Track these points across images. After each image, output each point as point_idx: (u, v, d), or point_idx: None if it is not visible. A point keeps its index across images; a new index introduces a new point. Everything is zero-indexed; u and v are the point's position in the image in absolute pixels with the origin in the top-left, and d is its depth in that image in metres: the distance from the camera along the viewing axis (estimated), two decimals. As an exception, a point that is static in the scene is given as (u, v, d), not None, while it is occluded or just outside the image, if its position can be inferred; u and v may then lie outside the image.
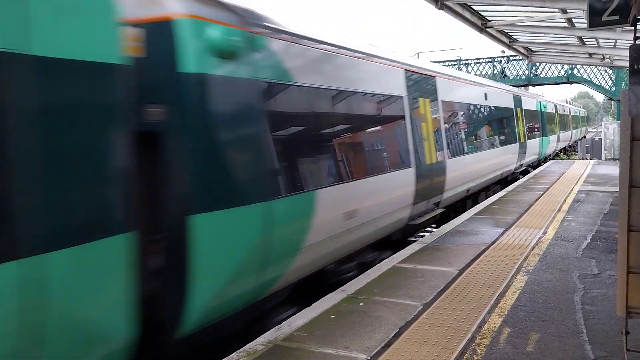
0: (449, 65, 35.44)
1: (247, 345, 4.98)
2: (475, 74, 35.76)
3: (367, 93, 8.14)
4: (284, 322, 5.51)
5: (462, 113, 13.30)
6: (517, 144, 18.99)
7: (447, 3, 10.95)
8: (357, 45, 8.35)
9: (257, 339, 5.13)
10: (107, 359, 4.00)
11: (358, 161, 7.76)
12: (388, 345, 4.92)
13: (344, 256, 7.59)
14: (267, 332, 5.27)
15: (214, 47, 4.95)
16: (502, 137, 17.09)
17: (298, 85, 6.36)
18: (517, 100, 20.22)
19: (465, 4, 11.88)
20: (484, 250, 8.27)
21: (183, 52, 4.74)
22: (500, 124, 17.22)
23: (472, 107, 14.21)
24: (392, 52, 10.05)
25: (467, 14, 12.33)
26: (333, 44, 7.43)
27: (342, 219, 6.97)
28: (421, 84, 10.49)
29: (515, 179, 19.34)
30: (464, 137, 13.10)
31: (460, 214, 11.77)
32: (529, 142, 21.16)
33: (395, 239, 9.35)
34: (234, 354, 4.80)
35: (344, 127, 7.65)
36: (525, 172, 21.61)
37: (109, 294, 3.94)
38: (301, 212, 6.21)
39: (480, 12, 12.89)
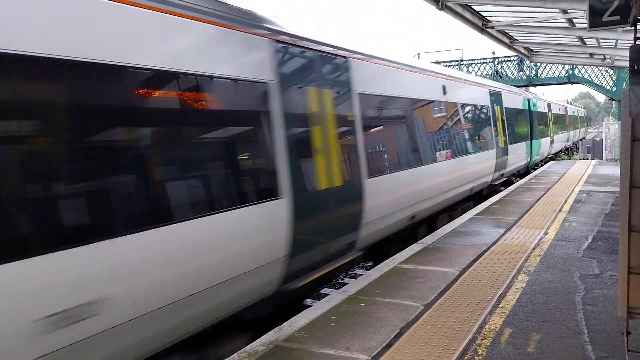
0: (449, 66, 35.44)
1: (248, 346, 4.98)
2: (477, 74, 35.73)
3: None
4: (284, 323, 5.51)
5: (397, 112, 9.62)
6: (495, 149, 15.34)
7: (448, 3, 10.96)
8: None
9: (258, 339, 5.13)
10: None
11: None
12: (389, 345, 4.92)
13: None
14: (268, 333, 5.27)
15: None
16: (470, 143, 13.30)
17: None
18: (496, 96, 16.47)
19: (466, 5, 11.89)
20: (485, 251, 8.27)
21: None
22: (468, 126, 13.40)
23: (417, 104, 10.27)
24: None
25: (468, 15, 12.34)
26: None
27: None
28: (312, 65, 6.84)
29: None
30: (401, 145, 9.52)
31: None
32: (511, 147, 17.46)
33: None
34: (234, 354, 4.81)
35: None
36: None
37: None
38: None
39: (480, 13, 12.90)
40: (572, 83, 35.40)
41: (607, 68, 29.43)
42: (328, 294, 7.34)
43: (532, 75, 36.03)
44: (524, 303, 5.95)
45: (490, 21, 13.57)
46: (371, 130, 8.39)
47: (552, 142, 28.80)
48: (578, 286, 6.50)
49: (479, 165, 13.73)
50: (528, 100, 22.35)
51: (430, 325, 5.35)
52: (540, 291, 6.35)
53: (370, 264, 9.79)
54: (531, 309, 5.76)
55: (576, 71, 34.00)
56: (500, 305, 5.89)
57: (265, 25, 6.04)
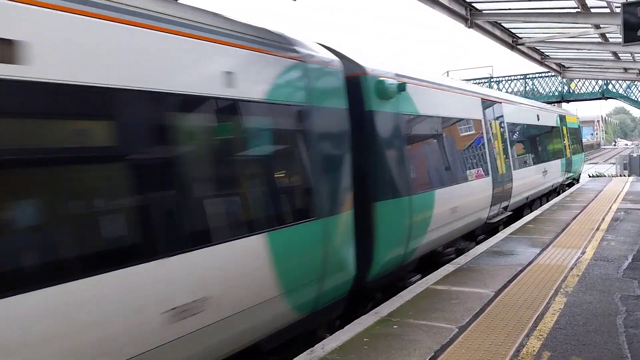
0: (479, 83, 35.17)
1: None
2: (507, 92, 35.36)
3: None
4: (316, 345, 5.46)
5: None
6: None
7: (477, 21, 10.93)
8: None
9: (290, 362, 5.08)
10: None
11: None
12: (423, 369, 4.82)
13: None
14: (300, 355, 5.23)
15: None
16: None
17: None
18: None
19: (496, 22, 11.84)
20: (521, 271, 8.08)
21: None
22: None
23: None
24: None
25: (498, 32, 12.29)
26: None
27: None
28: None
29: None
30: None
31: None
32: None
33: None
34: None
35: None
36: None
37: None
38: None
39: (510, 30, 12.82)
40: (607, 98, 34.77)
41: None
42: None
43: (565, 91, 35.51)
44: (562, 325, 5.78)
45: (521, 38, 13.46)
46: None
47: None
48: (619, 308, 6.29)
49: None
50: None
51: (465, 349, 5.23)
52: (579, 313, 6.16)
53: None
54: (570, 332, 5.59)
55: (610, 86, 33.40)
56: (537, 328, 5.72)
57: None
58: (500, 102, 13.31)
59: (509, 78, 38.47)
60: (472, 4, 10.54)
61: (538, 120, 17.02)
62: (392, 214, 7.34)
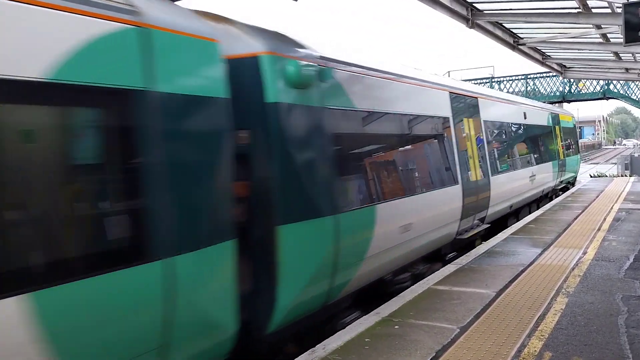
0: (480, 83, 35.17)
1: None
2: (508, 92, 35.34)
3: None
4: (317, 345, 5.46)
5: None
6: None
7: (478, 22, 10.91)
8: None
9: (291, 362, 5.02)
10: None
11: None
12: (425, 369, 4.82)
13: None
14: (302, 355, 5.23)
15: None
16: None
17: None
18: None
19: (497, 22, 11.83)
20: (522, 272, 8.08)
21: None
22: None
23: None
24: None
25: (499, 32, 12.27)
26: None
27: None
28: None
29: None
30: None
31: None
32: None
33: None
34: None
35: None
36: None
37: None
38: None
39: (511, 30, 12.80)
40: (608, 98, 34.73)
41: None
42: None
43: (566, 91, 35.47)
44: (564, 326, 5.78)
45: (522, 38, 13.45)
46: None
47: None
48: (620, 308, 6.29)
49: None
50: None
51: (466, 349, 5.23)
52: (580, 313, 6.16)
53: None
54: (572, 332, 5.59)
55: (611, 86, 33.36)
56: (539, 328, 5.72)
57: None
58: (476, 98, 11.52)
59: (510, 78, 38.44)
60: (474, 4, 10.53)
61: (525, 118, 15.43)
62: (306, 240, 5.62)
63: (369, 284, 7.13)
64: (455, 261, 8.98)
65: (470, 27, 10.80)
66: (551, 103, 28.89)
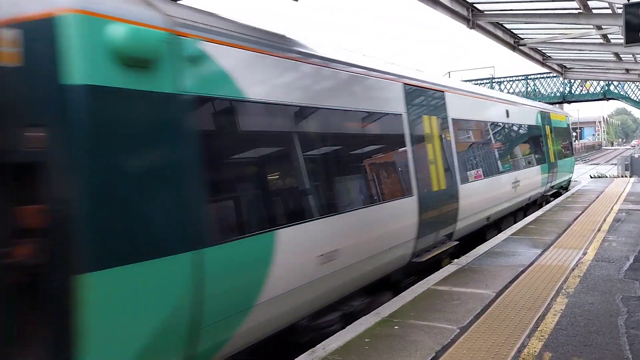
0: (480, 84, 35.16)
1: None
2: (509, 92, 35.33)
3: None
4: (318, 345, 5.46)
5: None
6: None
7: (479, 22, 10.92)
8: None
9: (291, 363, 4.96)
10: None
11: None
12: (425, 370, 4.82)
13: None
14: (302, 356, 5.23)
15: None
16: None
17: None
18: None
19: (497, 23, 11.83)
20: (522, 272, 8.08)
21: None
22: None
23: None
24: None
25: (499, 33, 12.27)
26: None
27: None
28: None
29: None
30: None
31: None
32: None
33: None
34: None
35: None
36: None
37: None
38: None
39: (512, 31, 12.81)
40: (608, 99, 34.74)
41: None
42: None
43: (567, 92, 35.47)
44: (563, 326, 5.78)
45: (522, 39, 13.45)
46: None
47: None
48: (620, 309, 6.29)
49: None
50: None
51: (467, 349, 5.23)
52: (580, 314, 6.16)
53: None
54: (571, 333, 5.59)
55: (612, 87, 33.37)
56: (539, 329, 5.72)
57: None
58: (442, 92, 9.74)
59: (511, 79, 38.45)
60: (474, 5, 10.53)
61: (507, 117, 13.56)
62: (136, 293, 3.81)
63: (273, 334, 5.45)
64: (455, 261, 8.98)
65: (471, 28, 10.80)
66: (551, 104, 28.90)
